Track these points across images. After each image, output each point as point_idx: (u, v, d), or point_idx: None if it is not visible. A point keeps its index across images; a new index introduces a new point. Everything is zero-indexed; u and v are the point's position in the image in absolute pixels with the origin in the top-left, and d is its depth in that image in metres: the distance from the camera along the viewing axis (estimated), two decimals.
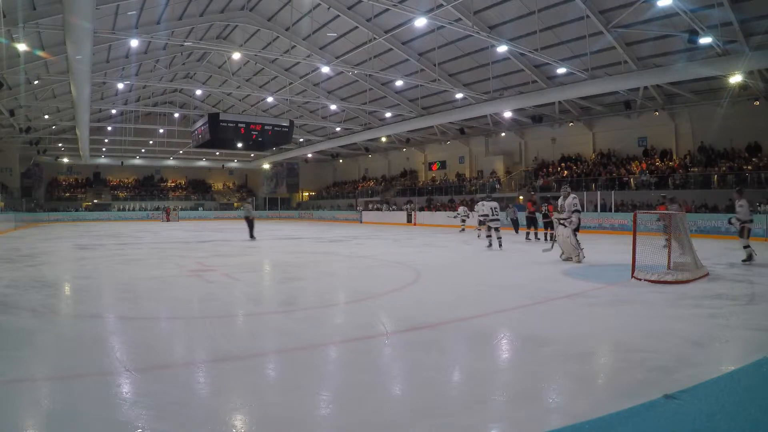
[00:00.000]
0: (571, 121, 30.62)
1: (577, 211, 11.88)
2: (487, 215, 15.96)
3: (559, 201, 12.56)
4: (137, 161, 51.29)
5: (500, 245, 15.38)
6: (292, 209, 55.68)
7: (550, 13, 20.05)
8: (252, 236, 20.43)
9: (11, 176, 42.41)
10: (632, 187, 26.44)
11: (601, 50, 20.81)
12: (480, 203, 17.20)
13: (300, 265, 12.21)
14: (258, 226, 21.98)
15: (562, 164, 31.56)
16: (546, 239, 18.06)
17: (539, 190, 30.50)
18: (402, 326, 5.92)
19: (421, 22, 18.69)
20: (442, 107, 30.97)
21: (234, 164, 56.92)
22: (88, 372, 4.27)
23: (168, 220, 44.13)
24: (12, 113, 27.78)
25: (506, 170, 35.32)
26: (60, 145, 43.27)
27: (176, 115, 40.54)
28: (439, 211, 34.72)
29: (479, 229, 20.33)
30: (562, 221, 11.86)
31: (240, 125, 22.59)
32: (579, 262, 11.56)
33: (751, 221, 11.85)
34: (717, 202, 22.33)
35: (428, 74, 25.87)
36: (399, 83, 27.15)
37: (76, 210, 47.54)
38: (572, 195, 12.08)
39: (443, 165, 42.08)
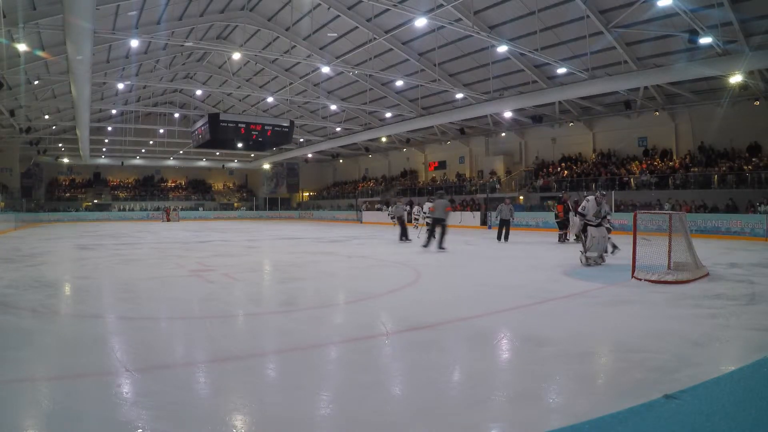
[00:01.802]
0: (572, 121, 30.62)
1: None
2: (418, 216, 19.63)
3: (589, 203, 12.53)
4: (137, 161, 51.29)
5: (403, 237, 18.69)
6: (293, 209, 55.71)
7: (550, 13, 20.05)
8: (407, 237, 18.87)
9: (11, 176, 42.32)
10: (632, 187, 26.46)
11: (601, 50, 20.82)
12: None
13: (300, 265, 12.10)
14: (258, 226, 21.77)
15: (563, 164, 31.58)
16: (564, 239, 17.89)
17: (539, 191, 30.51)
18: (402, 326, 5.92)
19: (421, 22, 18.69)
20: (442, 107, 30.99)
21: (234, 164, 56.84)
22: (88, 372, 4.26)
23: (168, 220, 44.24)
24: (12, 113, 27.76)
25: (506, 170, 35.32)
26: (60, 145, 43.15)
27: (176, 115, 40.56)
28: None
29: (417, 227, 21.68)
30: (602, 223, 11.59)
31: (240, 125, 22.68)
32: (600, 263, 11.41)
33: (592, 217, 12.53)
34: (717, 202, 22.32)
35: (428, 74, 25.87)
36: (399, 83, 27.18)
37: (77, 210, 47.48)
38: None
39: (443, 165, 42.14)
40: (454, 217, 28.05)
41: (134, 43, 22.82)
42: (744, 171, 22.76)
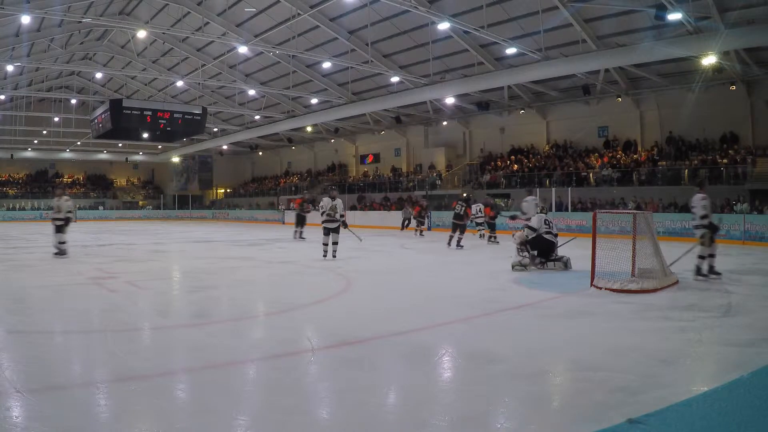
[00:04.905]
0: (522, 109, 31.25)
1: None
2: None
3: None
4: (29, 154, 51.96)
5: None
6: (205, 208, 56.22)
7: None
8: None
9: None
10: (592, 183, 27.21)
11: (556, 28, 21.22)
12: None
13: (214, 272, 12.40)
14: (166, 227, 21.41)
15: (512, 157, 32.23)
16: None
17: (485, 187, 30.96)
18: (330, 341, 6.04)
19: None
20: (376, 92, 31.21)
21: (139, 157, 57.68)
22: None
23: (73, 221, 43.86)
24: None
25: (448, 164, 35.96)
26: None
27: (73, 101, 40.37)
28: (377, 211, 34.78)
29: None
30: None
31: (146, 113, 23.24)
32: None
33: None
34: (688, 201, 22.73)
35: (360, 55, 25.96)
36: (327, 65, 27.44)
37: None
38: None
39: (377, 158, 42.60)
40: (387, 218, 28.36)
41: (25, 20, 22.17)
42: (718, 165, 23.49)
